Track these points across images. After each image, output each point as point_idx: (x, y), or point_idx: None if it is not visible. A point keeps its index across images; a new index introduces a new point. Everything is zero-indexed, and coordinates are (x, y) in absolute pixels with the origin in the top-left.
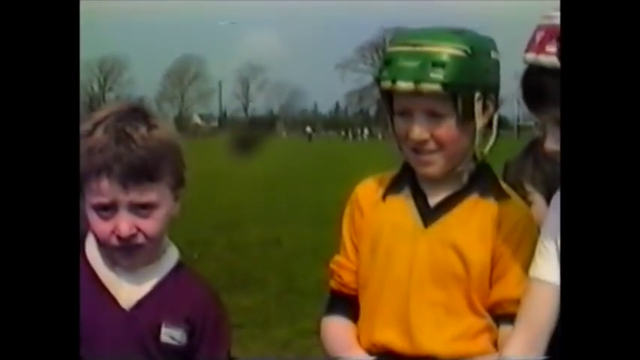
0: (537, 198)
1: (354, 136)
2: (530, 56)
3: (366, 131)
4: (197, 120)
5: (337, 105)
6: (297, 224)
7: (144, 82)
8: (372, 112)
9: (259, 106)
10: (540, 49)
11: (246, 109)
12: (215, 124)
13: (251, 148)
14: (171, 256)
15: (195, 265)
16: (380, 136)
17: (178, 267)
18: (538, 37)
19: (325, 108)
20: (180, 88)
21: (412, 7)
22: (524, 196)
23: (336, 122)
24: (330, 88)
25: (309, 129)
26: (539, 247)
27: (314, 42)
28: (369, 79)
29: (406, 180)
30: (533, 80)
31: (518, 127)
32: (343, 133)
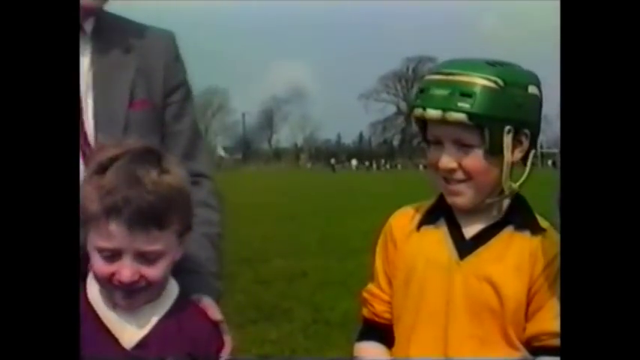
0: None
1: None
2: None
3: (387, 161)
4: (221, 152)
5: (361, 135)
6: (322, 256)
7: None
8: (396, 142)
9: (283, 137)
10: None
11: (270, 141)
12: (239, 156)
13: None
14: (172, 292)
15: (221, 298)
16: (399, 167)
17: (179, 301)
18: None
19: (349, 139)
20: (203, 120)
21: (435, 36)
22: None
23: (360, 153)
24: (353, 118)
25: (333, 160)
26: None
27: (337, 72)
28: (392, 109)
29: (442, 211)
30: None
31: (541, 154)
32: (367, 163)
